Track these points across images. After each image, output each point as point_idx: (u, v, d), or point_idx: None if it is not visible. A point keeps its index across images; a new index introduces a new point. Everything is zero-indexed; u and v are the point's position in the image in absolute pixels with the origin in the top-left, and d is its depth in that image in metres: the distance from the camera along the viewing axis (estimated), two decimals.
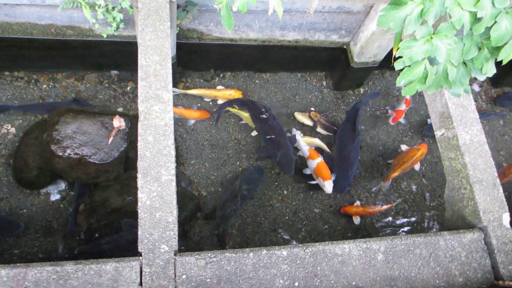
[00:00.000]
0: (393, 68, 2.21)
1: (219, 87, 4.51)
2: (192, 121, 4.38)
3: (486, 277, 2.59)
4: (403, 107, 4.61)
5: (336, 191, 4.08)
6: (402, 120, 4.67)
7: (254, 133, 4.38)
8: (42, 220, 3.67)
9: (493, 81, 5.20)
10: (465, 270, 2.58)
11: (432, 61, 2.21)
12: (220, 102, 4.43)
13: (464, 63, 2.33)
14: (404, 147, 4.46)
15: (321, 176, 3.98)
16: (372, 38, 3.88)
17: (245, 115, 4.28)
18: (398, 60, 2.20)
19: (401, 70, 2.23)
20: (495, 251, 2.60)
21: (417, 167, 4.41)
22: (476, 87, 5.19)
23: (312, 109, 4.57)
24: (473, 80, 5.09)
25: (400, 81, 2.25)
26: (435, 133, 3.11)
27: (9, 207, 3.66)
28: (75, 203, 3.70)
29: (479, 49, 2.26)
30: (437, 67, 2.24)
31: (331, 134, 4.47)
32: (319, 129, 4.50)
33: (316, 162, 4.05)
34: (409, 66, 2.21)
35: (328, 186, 3.94)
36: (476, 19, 2.11)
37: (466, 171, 2.80)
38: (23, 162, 3.63)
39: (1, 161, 3.80)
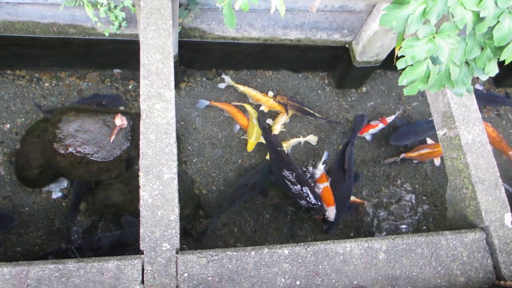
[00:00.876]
0: (395, 68, 2.21)
1: (270, 93, 4.50)
2: (238, 127, 4.37)
3: (487, 277, 2.59)
4: (375, 123, 4.50)
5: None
6: (367, 136, 4.53)
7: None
8: (44, 218, 3.68)
9: (496, 81, 5.19)
10: (466, 270, 2.58)
11: (434, 60, 2.21)
12: (262, 108, 4.45)
13: (467, 62, 2.33)
14: (429, 141, 4.53)
15: (325, 201, 3.98)
16: (375, 37, 3.88)
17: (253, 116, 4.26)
18: (400, 59, 2.20)
19: (403, 69, 2.23)
20: (497, 251, 2.60)
21: (437, 162, 4.49)
22: (479, 87, 5.18)
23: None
24: (475, 80, 5.08)
25: (402, 80, 2.25)
26: (437, 132, 3.11)
27: (11, 205, 3.67)
28: (74, 200, 3.72)
29: (482, 48, 2.25)
30: (439, 67, 2.24)
31: (304, 115, 4.46)
32: (291, 112, 4.40)
33: (323, 186, 4.07)
34: (412, 65, 2.21)
35: (330, 212, 3.94)
36: (479, 19, 2.11)
37: (468, 171, 2.80)
38: (25, 160, 3.64)
39: (4, 159, 3.81)
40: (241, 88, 4.43)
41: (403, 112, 4.75)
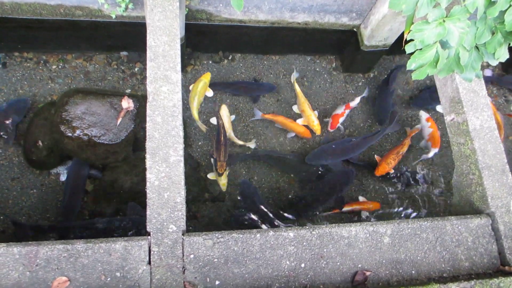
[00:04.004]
0: (404, 52, 2.19)
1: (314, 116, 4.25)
2: (293, 134, 4.29)
3: (492, 263, 2.60)
4: (340, 110, 4.26)
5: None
6: (340, 125, 4.34)
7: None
8: (52, 200, 3.72)
9: (506, 66, 5.13)
10: (471, 255, 2.59)
11: (444, 44, 2.19)
12: (299, 120, 4.25)
13: (477, 47, 2.30)
14: None
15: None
16: (383, 21, 3.83)
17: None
18: (409, 43, 2.17)
19: (412, 53, 2.21)
20: (502, 237, 2.61)
21: None
22: (488, 73, 5.12)
23: None
24: (485, 65, 5.02)
25: (411, 65, 2.23)
26: (445, 117, 3.09)
27: (20, 187, 3.71)
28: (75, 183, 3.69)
29: (493, 33, 2.22)
30: (449, 51, 2.22)
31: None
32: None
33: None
34: (421, 49, 2.18)
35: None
36: (490, 3, 2.08)
37: (475, 157, 2.79)
38: (33, 142, 3.67)
39: (12, 141, 3.83)
40: (297, 90, 4.26)
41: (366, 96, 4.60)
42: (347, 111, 4.34)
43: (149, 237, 2.31)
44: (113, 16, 3.66)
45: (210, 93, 4.14)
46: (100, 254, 2.24)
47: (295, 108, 4.39)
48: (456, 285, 2.42)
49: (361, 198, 4.17)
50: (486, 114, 2.89)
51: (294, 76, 4.41)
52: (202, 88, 4.01)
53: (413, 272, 2.50)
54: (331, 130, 4.34)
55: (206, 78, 4.07)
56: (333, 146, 4.13)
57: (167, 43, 2.73)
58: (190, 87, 4.12)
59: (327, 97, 4.59)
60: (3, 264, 2.16)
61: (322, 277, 2.41)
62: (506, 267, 2.57)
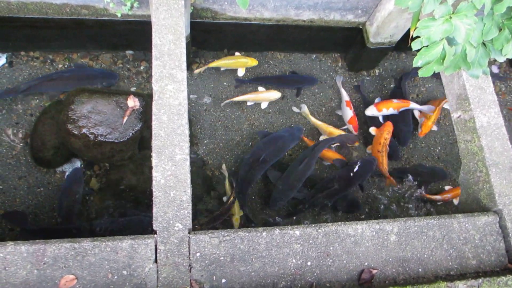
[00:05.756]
0: (410, 49, 2.18)
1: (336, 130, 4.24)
2: (327, 163, 4.27)
3: (499, 260, 2.59)
4: (350, 113, 4.27)
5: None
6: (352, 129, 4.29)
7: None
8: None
9: None
10: (478, 253, 2.58)
11: (450, 41, 2.17)
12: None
13: (484, 44, 2.29)
14: None
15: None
16: (389, 18, 3.81)
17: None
18: (416, 40, 2.16)
19: (419, 50, 2.20)
20: (510, 234, 2.59)
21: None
22: (495, 69, 5.08)
23: None
24: (491, 62, 4.99)
25: (417, 62, 2.22)
26: (452, 115, 3.07)
27: (27, 186, 3.74)
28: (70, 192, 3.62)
29: (500, 29, 2.21)
30: (455, 48, 2.20)
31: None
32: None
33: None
34: (427, 46, 2.17)
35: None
36: None
37: (482, 154, 2.77)
38: (40, 141, 3.69)
39: (19, 140, 3.86)
40: (313, 120, 4.28)
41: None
42: (352, 108, 4.32)
43: (155, 235, 2.31)
44: (119, 15, 3.66)
45: (241, 72, 4.35)
46: (107, 252, 2.25)
47: (323, 137, 4.31)
48: (464, 283, 2.41)
49: (447, 187, 4.34)
50: (493, 111, 2.87)
51: (303, 109, 4.36)
52: (240, 62, 4.27)
53: (420, 270, 2.49)
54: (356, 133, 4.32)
55: (252, 61, 4.29)
56: (285, 181, 3.84)
57: (172, 42, 2.73)
58: (236, 53, 4.38)
59: (332, 94, 4.58)
60: (11, 263, 2.17)
61: (329, 275, 2.40)
62: None
